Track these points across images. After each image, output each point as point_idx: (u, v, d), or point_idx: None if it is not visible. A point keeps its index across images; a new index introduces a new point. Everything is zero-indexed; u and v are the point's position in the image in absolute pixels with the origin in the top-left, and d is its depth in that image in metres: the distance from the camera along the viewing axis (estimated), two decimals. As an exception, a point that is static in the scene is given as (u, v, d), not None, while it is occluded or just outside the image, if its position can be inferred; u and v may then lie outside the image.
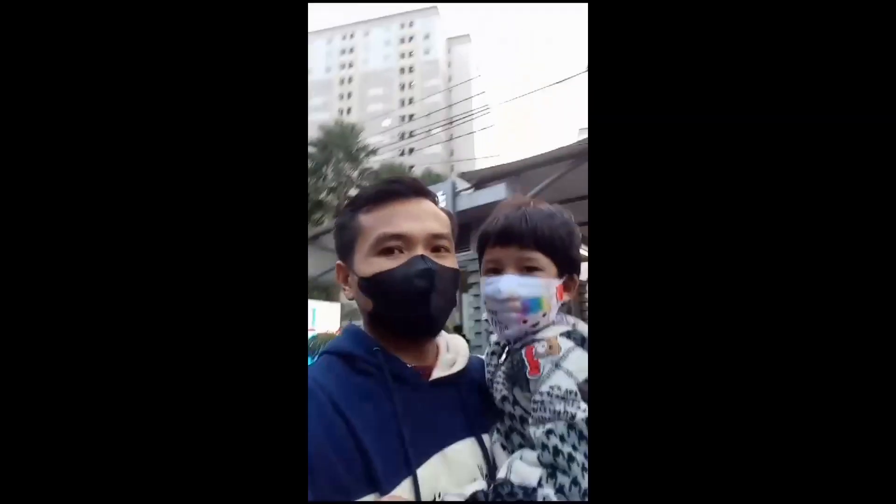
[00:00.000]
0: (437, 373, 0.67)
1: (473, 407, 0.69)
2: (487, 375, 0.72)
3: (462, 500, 0.57)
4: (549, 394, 0.60)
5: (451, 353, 0.72)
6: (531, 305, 0.67)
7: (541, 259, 0.68)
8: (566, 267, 0.71)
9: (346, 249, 0.69)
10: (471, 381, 0.72)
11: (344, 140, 18.31)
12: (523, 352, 0.66)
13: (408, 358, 0.67)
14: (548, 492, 0.55)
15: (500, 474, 0.60)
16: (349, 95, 48.22)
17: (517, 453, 0.62)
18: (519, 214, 0.70)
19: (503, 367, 0.69)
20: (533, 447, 0.60)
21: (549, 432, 0.58)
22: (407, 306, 0.64)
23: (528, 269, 0.68)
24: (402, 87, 46.47)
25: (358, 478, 0.54)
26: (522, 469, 0.58)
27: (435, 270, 0.64)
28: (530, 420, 0.62)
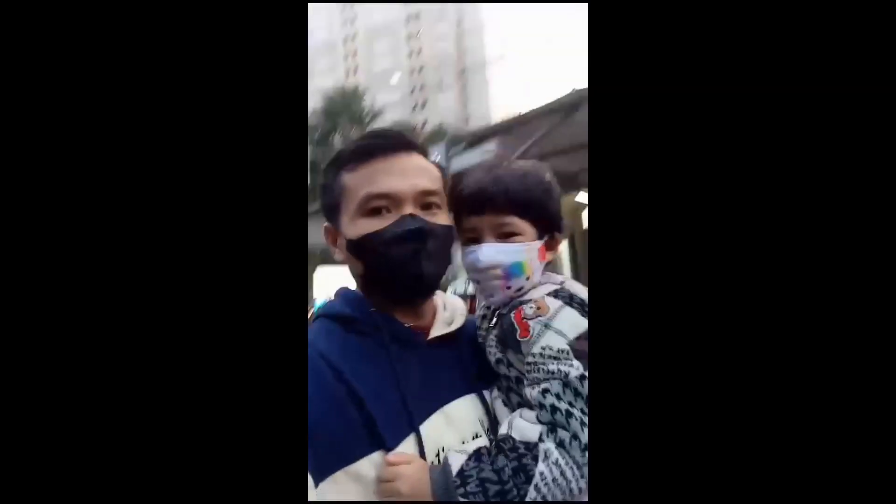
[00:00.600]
0: (435, 331, 0.67)
1: (472, 363, 0.68)
2: (480, 339, 0.72)
3: (465, 455, 0.57)
4: (541, 355, 0.60)
5: (449, 312, 0.71)
6: (513, 271, 0.66)
7: (517, 223, 0.66)
8: (546, 227, 0.69)
9: (332, 211, 0.67)
10: (469, 338, 0.71)
11: (347, 106, 17.75)
12: (512, 315, 0.65)
13: (405, 318, 0.66)
14: (549, 446, 0.56)
15: (502, 430, 0.60)
16: (355, 54, 46.37)
17: (517, 412, 0.62)
18: (490, 178, 0.67)
19: (494, 331, 0.68)
20: (531, 407, 0.60)
21: (544, 392, 0.59)
22: (397, 268, 0.61)
23: (506, 235, 0.66)
24: (409, 37, 44.29)
25: (361, 440, 0.54)
26: (523, 426, 0.59)
27: (425, 229, 0.61)
28: (525, 381, 0.62)
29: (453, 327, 0.68)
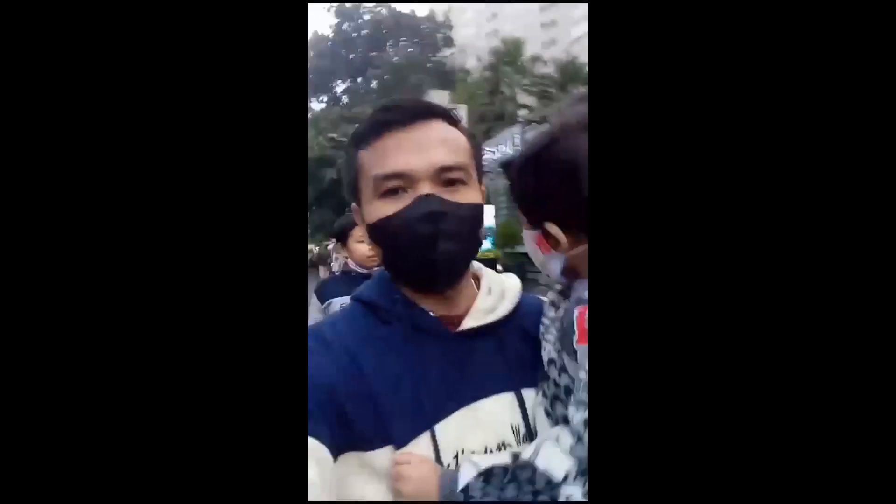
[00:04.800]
0: (468, 322, 0.61)
1: (519, 358, 0.62)
2: (541, 328, 0.63)
3: (476, 470, 0.50)
4: None
5: (493, 298, 0.64)
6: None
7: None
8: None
9: (353, 192, 0.63)
10: (520, 328, 0.64)
11: (511, 56, 18.63)
12: (576, 312, 0.55)
13: (435, 306, 0.61)
14: (574, 490, 0.46)
15: (526, 454, 0.51)
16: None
17: (554, 431, 0.53)
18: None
19: (556, 325, 0.60)
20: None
21: (588, 422, 0.48)
22: (411, 255, 0.56)
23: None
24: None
25: (374, 431, 0.53)
26: (551, 456, 0.49)
27: (440, 212, 0.55)
28: (571, 399, 0.53)
29: (493, 317, 0.62)
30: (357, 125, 0.62)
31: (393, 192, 0.56)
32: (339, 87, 31.50)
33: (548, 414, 0.58)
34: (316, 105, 31.36)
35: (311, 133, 24.39)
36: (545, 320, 0.63)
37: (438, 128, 0.58)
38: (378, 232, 0.58)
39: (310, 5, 0.46)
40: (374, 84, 29.25)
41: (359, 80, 30.27)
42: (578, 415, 0.50)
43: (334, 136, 21.33)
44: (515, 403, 0.59)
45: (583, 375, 0.51)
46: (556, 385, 0.57)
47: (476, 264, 0.66)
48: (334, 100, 31.34)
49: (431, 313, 0.61)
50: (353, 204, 0.64)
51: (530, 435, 0.58)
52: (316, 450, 0.47)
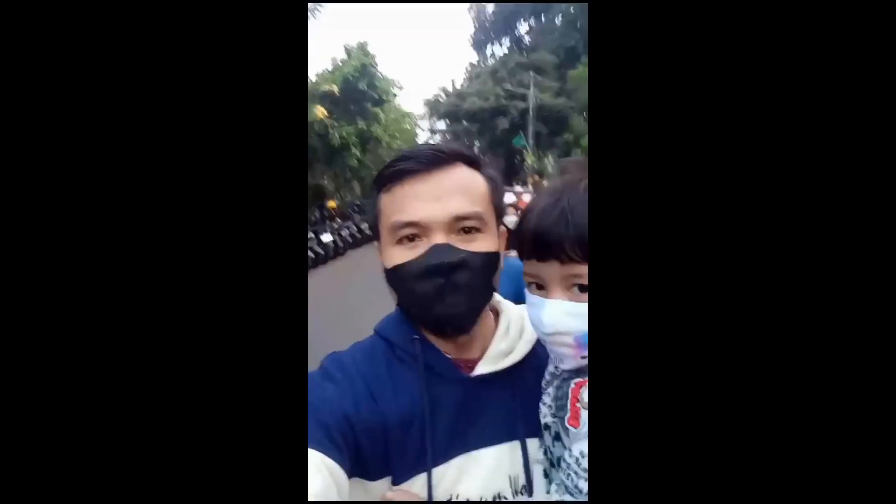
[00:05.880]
0: (482, 368, 0.60)
1: (530, 403, 0.61)
2: (543, 381, 0.60)
3: None
4: (577, 461, 0.49)
5: (510, 339, 0.63)
6: (587, 341, 0.49)
7: None
8: None
9: (375, 231, 0.63)
10: (536, 368, 0.63)
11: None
12: (570, 388, 0.52)
13: (450, 349, 0.61)
14: None
15: None
16: None
17: None
18: (556, 212, 0.50)
19: (553, 386, 0.57)
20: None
21: None
22: (422, 305, 0.57)
23: (581, 288, 0.50)
24: None
25: (379, 463, 0.55)
26: None
27: (451, 263, 0.55)
28: (556, 477, 0.54)
29: (508, 362, 0.61)
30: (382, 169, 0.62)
31: (409, 240, 0.57)
32: (522, 27, 30.68)
33: (545, 474, 0.57)
34: (498, 50, 31.39)
35: (489, 83, 25.01)
36: (547, 375, 0.60)
37: (457, 174, 0.58)
38: (393, 278, 0.59)
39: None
40: (558, 19, 27.56)
41: (542, 16, 28.92)
42: (556, 496, 0.50)
43: (509, 86, 21.44)
44: (518, 453, 0.59)
45: (567, 456, 0.50)
46: (550, 452, 0.56)
47: (496, 297, 0.65)
48: (517, 42, 30.76)
49: (448, 355, 0.61)
50: (376, 242, 0.64)
51: (529, 486, 0.58)
52: (332, 468, 0.50)
